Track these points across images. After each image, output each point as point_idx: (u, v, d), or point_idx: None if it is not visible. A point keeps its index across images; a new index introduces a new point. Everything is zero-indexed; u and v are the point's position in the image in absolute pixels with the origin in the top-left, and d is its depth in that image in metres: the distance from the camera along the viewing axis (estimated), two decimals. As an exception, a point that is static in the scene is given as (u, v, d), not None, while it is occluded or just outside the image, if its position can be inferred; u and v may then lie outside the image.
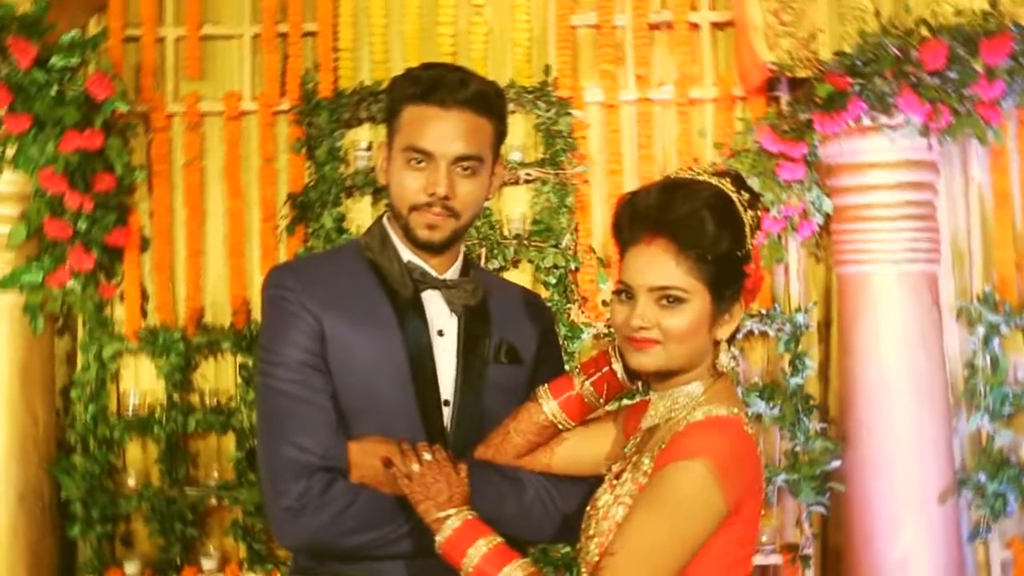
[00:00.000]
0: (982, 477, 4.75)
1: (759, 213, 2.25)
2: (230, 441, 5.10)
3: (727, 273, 2.20)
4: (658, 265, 2.19)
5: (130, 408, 5.09)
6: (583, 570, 2.25)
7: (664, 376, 2.27)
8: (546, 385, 2.43)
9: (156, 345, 5.06)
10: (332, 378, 2.40)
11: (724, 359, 2.25)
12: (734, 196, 2.21)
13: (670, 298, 2.19)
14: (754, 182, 4.54)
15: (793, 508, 4.91)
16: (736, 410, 2.20)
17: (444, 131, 2.43)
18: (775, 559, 4.89)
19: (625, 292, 2.23)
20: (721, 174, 2.26)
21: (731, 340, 2.28)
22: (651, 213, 2.21)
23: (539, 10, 5.26)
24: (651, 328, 2.21)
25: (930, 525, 4.63)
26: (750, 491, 2.15)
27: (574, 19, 5.23)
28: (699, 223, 2.17)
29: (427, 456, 2.30)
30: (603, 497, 2.25)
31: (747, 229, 2.20)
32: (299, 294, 2.44)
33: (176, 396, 5.08)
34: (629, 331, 2.21)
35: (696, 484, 2.08)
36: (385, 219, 2.58)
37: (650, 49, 5.21)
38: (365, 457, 2.36)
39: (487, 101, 2.48)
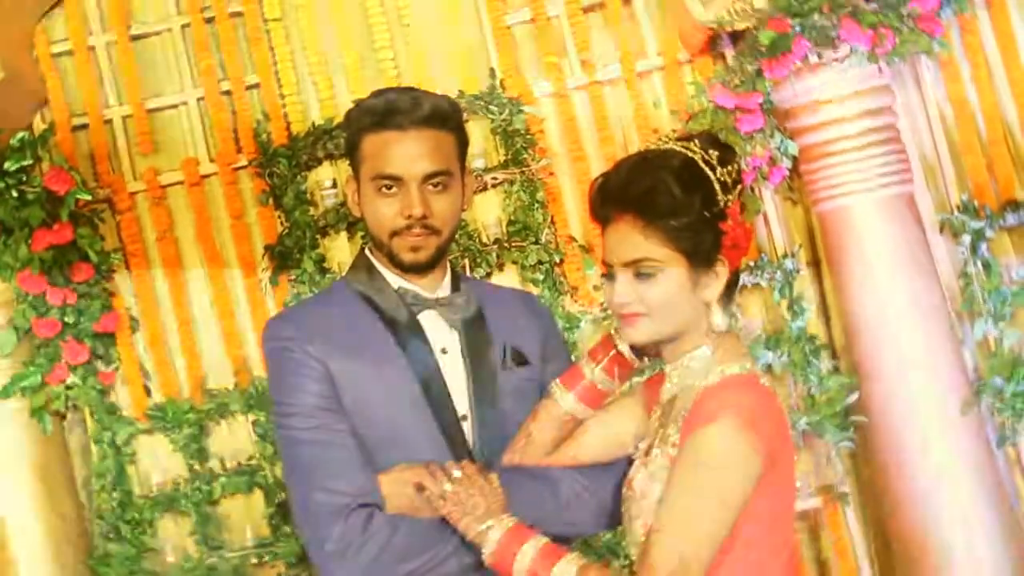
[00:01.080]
0: (998, 381, 4.76)
1: (735, 167, 2.26)
2: (258, 499, 5.10)
3: (699, 235, 2.22)
4: (628, 240, 2.24)
5: (154, 487, 5.10)
6: (632, 552, 2.27)
7: (664, 345, 2.30)
8: (558, 380, 2.46)
9: (166, 420, 5.06)
10: (348, 416, 2.41)
11: (717, 319, 2.26)
12: (698, 157, 2.23)
13: (644, 270, 2.23)
14: (717, 140, 4.56)
15: (821, 450, 4.93)
16: (749, 366, 2.24)
17: (407, 153, 2.45)
18: (813, 502, 4.91)
19: (609, 272, 2.27)
20: (687, 137, 2.29)
21: (731, 298, 2.31)
22: (616, 191, 2.26)
23: (471, 15, 5.26)
24: (633, 302, 2.25)
25: (957, 439, 4.66)
26: (780, 442, 2.18)
27: (508, 18, 5.23)
28: (661, 192, 2.20)
29: (457, 473, 2.32)
30: (637, 476, 2.28)
31: (717, 187, 2.22)
32: (299, 342, 2.45)
33: (196, 466, 5.07)
34: (616, 308, 2.26)
35: (727, 446, 2.11)
36: (367, 251, 2.60)
37: (588, 32, 5.22)
38: (397, 487, 2.37)
39: (443, 115, 2.50)
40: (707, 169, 2.22)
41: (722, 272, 2.25)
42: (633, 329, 2.27)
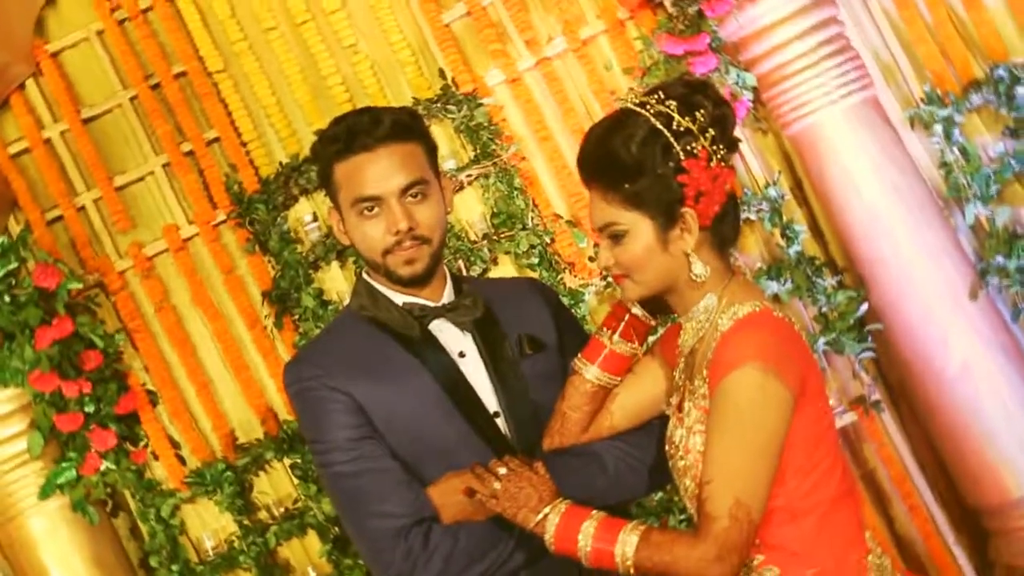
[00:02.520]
0: (1000, 259, 4.79)
1: (703, 111, 2.23)
2: (313, 538, 5.13)
3: (655, 193, 2.22)
4: (595, 207, 2.29)
5: (210, 551, 5.12)
6: (688, 505, 2.30)
7: (668, 298, 2.33)
8: (579, 355, 2.47)
9: (206, 484, 5.08)
10: (384, 439, 2.43)
11: (697, 269, 2.26)
12: (651, 113, 2.23)
13: (613, 234, 2.27)
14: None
15: (845, 365, 4.96)
16: (759, 302, 2.24)
17: (380, 171, 2.46)
18: (849, 418, 4.95)
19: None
20: (651, 91, 2.28)
21: (725, 241, 2.31)
22: (580, 163, 2.31)
23: (409, 24, 5.28)
24: (612, 266, 2.29)
25: (974, 323, 4.69)
26: (806, 369, 2.20)
27: (444, 17, 5.25)
28: (611, 158, 2.24)
29: (503, 470, 2.33)
30: (676, 432, 2.30)
31: (672, 139, 2.21)
32: (319, 379, 2.47)
33: (246, 520, 5.11)
34: (606, 272, 2.32)
35: (756, 389, 2.13)
36: (365, 275, 2.61)
37: (527, 13, 5.24)
38: (447, 496, 2.40)
39: (405, 126, 2.51)
40: (659, 123, 2.22)
41: (692, 223, 2.24)
42: (623, 290, 2.33)
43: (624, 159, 2.22)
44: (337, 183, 2.51)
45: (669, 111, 2.22)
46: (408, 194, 2.47)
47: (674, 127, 2.22)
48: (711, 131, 2.23)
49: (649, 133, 2.22)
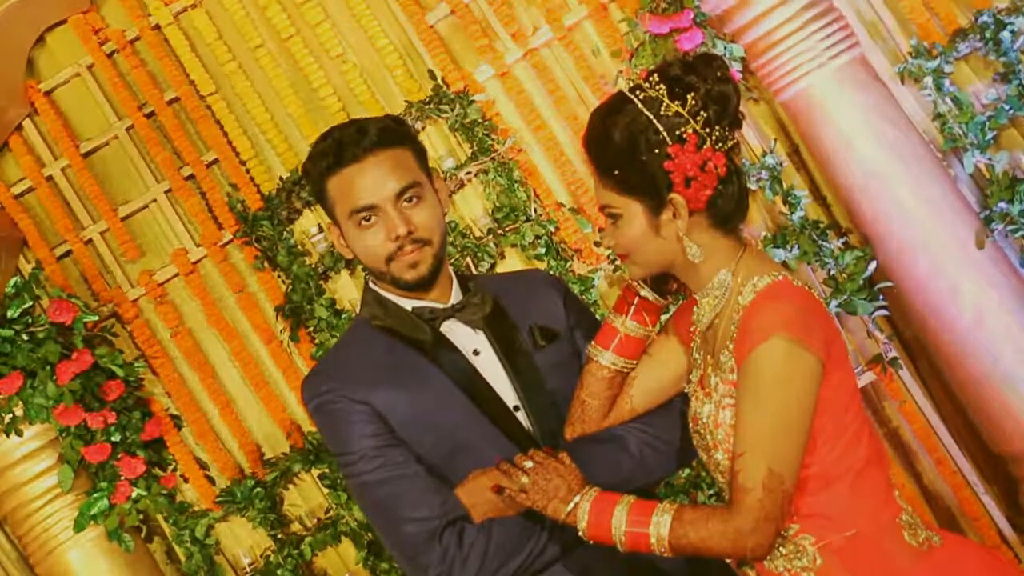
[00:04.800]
0: (1003, 205, 4.80)
1: (695, 95, 2.22)
2: (348, 546, 5.16)
3: (643, 179, 2.24)
4: (596, 189, 2.33)
5: (247, 568, 5.15)
6: (719, 479, 2.31)
7: (681, 276, 2.35)
8: (593, 342, 2.49)
9: (238, 502, 5.10)
10: (408, 445, 2.45)
11: (693, 252, 2.28)
12: (640, 98, 2.24)
13: (610, 216, 2.31)
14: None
15: (859, 326, 4.97)
16: (777, 272, 2.25)
17: (372, 180, 2.48)
18: (868, 377, 4.95)
19: None
20: (648, 73, 2.28)
21: (729, 221, 2.31)
22: (582, 147, 2.35)
23: (394, 28, 5.29)
24: (614, 246, 2.33)
25: (983, 272, 4.69)
26: (829, 336, 2.22)
27: (428, 18, 5.25)
28: (601, 144, 2.27)
29: (529, 463, 2.35)
30: (703, 408, 2.31)
31: (659, 125, 2.22)
32: (337, 391, 2.49)
33: (280, 534, 5.13)
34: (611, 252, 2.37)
35: (784, 360, 2.14)
36: (372, 284, 2.63)
37: (509, 6, 5.24)
38: (476, 495, 2.42)
39: (392, 133, 2.54)
40: (647, 110, 2.23)
41: (681, 208, 2.24)
42: (626, 268, 2.37)
43: (613, 146, 2.25)
44: (332, 198, 2.53)
45: (659, 96, 2.23)
46: (403, 199, 2.50)
47: (662, 112, 2.22)
48: (704, 113, 2.22)
49: (637, 120, 2.23)
